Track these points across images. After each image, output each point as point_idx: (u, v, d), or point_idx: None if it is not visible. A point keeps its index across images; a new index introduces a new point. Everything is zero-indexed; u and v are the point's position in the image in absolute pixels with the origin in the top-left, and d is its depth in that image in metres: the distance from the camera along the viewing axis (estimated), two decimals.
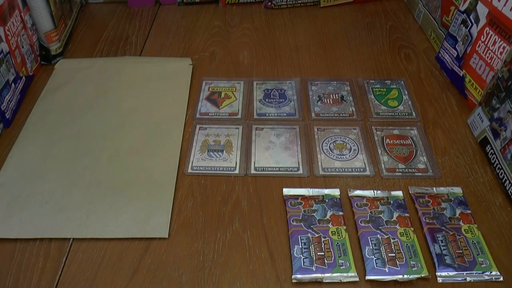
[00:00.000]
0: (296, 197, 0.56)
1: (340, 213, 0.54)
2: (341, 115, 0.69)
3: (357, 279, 0.48)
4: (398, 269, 0.49)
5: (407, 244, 0.51)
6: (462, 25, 0.70)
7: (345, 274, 0.48)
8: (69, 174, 0.59)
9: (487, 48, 0.65)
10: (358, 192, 0.57)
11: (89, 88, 0.73)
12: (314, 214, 0.54)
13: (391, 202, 0.56)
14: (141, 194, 0.57)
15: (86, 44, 0.85)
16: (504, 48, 0.61)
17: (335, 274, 0.48)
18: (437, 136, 0.66)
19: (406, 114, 0.69)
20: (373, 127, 0.67)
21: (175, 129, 0.66)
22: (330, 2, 0.96)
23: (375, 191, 0.57)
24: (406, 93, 0.73)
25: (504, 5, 0.61)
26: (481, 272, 0.49)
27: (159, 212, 0.55)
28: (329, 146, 0.64)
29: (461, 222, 0.53)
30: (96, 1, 0.97)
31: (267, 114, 0.69)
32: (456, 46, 0.72)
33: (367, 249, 0.51)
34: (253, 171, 0.60)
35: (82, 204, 0.56)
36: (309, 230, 0.52)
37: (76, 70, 0.76)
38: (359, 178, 0.60)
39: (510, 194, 0.56)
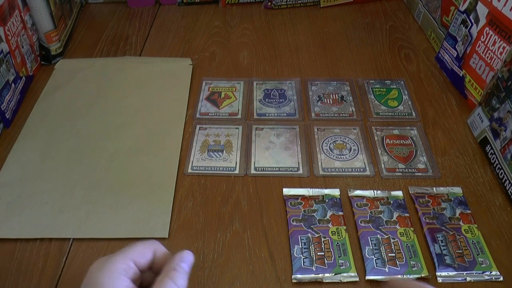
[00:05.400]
0: (296, 197, 0.56)
1: (340, 213, 0.54)
2: (341, 115, 0.69)
3: (357, 279, 0.48)
4: (398, 269, 0.49)
5: (407, 244, 0.51)
6: (462, 25, 0.70)
7: (345, 274, 0.48)
8: (69, 174, 0.59)
9: (487, 48, 0.65)
10: (358, 192, 0.57)
11: (89, 88, 0.73)
12: (314, 214, 0.54)
13: (391, 202, 0.56)
14: (141, 194, 0.57)
15: (86, 44, 0.85)
16: (504, 48, 0.61)
17: (335, 274, 0.48)
18: (437, 136, 0.66)
19: (406, 114, 0.69)
20: (373, 127, 0.67)
21: (175, 129, 0.66)
22: (330, 2, 0.96)
23: (375, 191, 0.57)
24: (406, 93, 0.73)
25: (504, 5, 0.61)
26: (481, 272, 0.49)
27: (159, 212, 0.55)
28: (329, 146, 0.64)
29: (461, 222, 0.53)
30: (96, 1, 0.97)
31: (267, 114, 0.69)
32: (456, 46, 0.72)
33: (367, 249, 0.51)
34: (253, 171, 0.60)
35: (82, 204, 0.56)
36: (309, 230, 0.52)
37: (76, 70, 0.76)
38: (359, 178, 0.60)
39: (510, 194, 0.56)
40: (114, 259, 0.35)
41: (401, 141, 0.65)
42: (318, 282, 0.48)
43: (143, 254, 0.37)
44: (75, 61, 0.80)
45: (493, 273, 0.49)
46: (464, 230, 0.53)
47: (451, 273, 0.49)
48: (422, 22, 0.89)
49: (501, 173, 0.58)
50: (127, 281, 0.35)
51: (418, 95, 0.73)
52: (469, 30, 0.69)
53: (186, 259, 0.37)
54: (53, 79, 0.75)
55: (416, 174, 0.60)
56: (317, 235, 0.52)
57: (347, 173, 0.60)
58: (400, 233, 0.52)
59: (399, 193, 0.57)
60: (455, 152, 0.63)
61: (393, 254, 0.50)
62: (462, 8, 0.70)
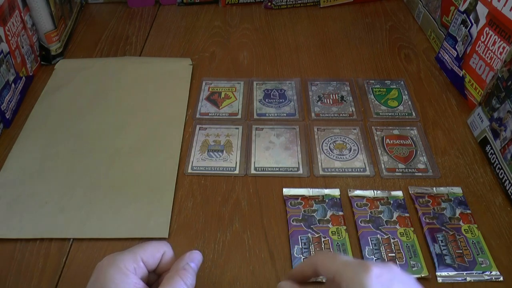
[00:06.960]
0: (296, 197, 0.56)
1: (340, 213, 0.54)
2: (341, 115, 0.69)
3: None
4: None
5: (407, 244, 0.51)
6: (462, 25, 0.70)
7: None
8: (69, 174, 0.59)
9: (487, 48, 0.65)
10: (358, 192, 0.57)
11: (89, 88, 0.73)
12: (314, 214, 0.54)
13: (391, 202, 0.56)
14: (141, 194, 0.57)
15: (86, 44, 0.85)
16: (504, 48, 0.61)
17: None
18: (437, 136, 0.66)
19: (406, 114, 0.69)
20: (373, 127, 0.67)
21: (175, 129, 0.66)
22: (330, 2, 0.96)
23: (375, 191, 0.57)
24: (406, 93, 0.73)
25: (504, 5, 0.61)
26: (481, 272, 0.49)
27: (159, 212, 0.55)
28: (329, 146, 0.64)
29: (461, 222, 0.53)
30: (96, 1, 0.97)
31: (267, 114, 0.69)
32: (456, 46, 0.72)
33: (367, 249, 0.51)
34: (253, 171, 0.60)
35: (82, 204, 0.56)
36: (309, 230, 0.52)
37: (76, 70, 0.76)
38: (359, 178, 0.60)
39: (510, 194, 0.56)
40: (125, 257, 0.35)
41: (401, 141, 0.65)
42: (318, 282, 0.48)
43: (152, 254, 0.37)
44: (75, 61, 0.80)
45: (493, 273, 0.49)
46: (464, 230, 0.53)
47: (451, 273, 0.49)
48: (422, 22, 0.89)
49: (501, 173, 0.58)
50: (137, 279, 0.35)
51: (418, 95, 0.73)
52: (469, 30, 0.69)
53: (195, 259, 0.37)
54: (53, 79, 0.75)
55: (416, 174, 0.60)
56: (317, 235, 0.52)
57: (347, 173, 0.60)
58: (400, 233, 0.52)
59: (399, 193, 0.57)
60: (455, 152, 0.63)
61: (393, 254, 0.50)
62: (462, 8, 0.70)
